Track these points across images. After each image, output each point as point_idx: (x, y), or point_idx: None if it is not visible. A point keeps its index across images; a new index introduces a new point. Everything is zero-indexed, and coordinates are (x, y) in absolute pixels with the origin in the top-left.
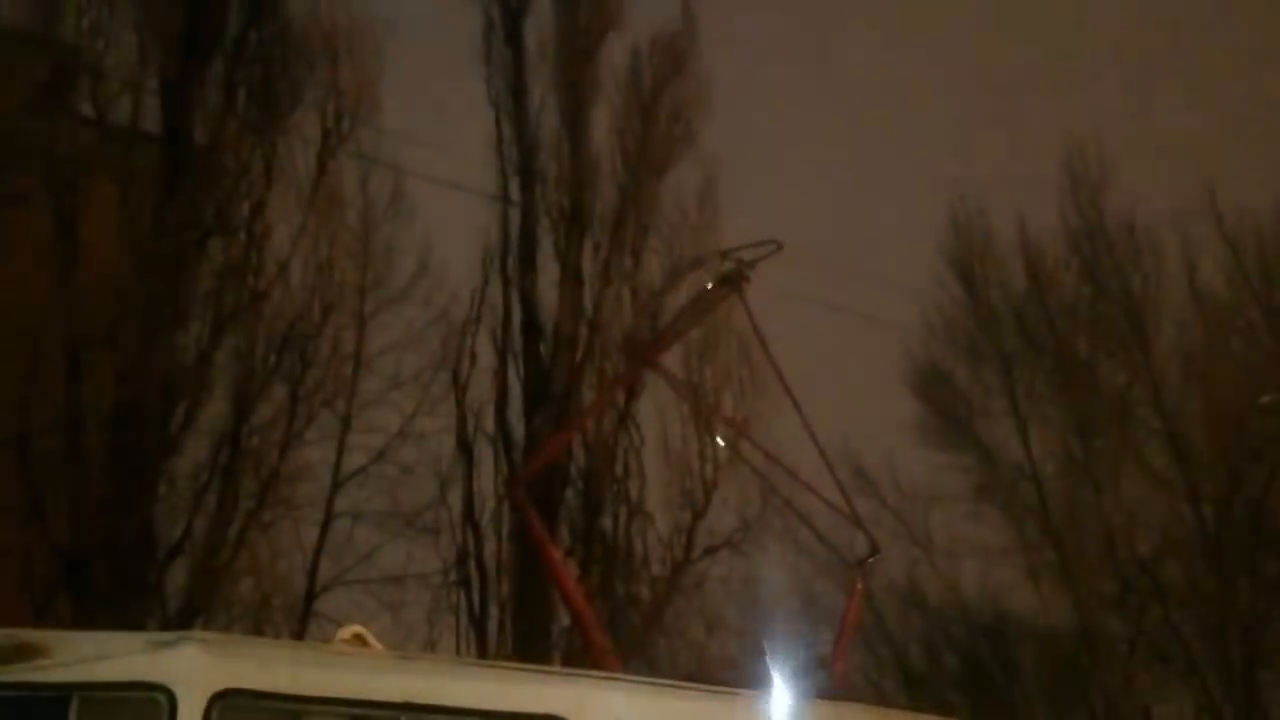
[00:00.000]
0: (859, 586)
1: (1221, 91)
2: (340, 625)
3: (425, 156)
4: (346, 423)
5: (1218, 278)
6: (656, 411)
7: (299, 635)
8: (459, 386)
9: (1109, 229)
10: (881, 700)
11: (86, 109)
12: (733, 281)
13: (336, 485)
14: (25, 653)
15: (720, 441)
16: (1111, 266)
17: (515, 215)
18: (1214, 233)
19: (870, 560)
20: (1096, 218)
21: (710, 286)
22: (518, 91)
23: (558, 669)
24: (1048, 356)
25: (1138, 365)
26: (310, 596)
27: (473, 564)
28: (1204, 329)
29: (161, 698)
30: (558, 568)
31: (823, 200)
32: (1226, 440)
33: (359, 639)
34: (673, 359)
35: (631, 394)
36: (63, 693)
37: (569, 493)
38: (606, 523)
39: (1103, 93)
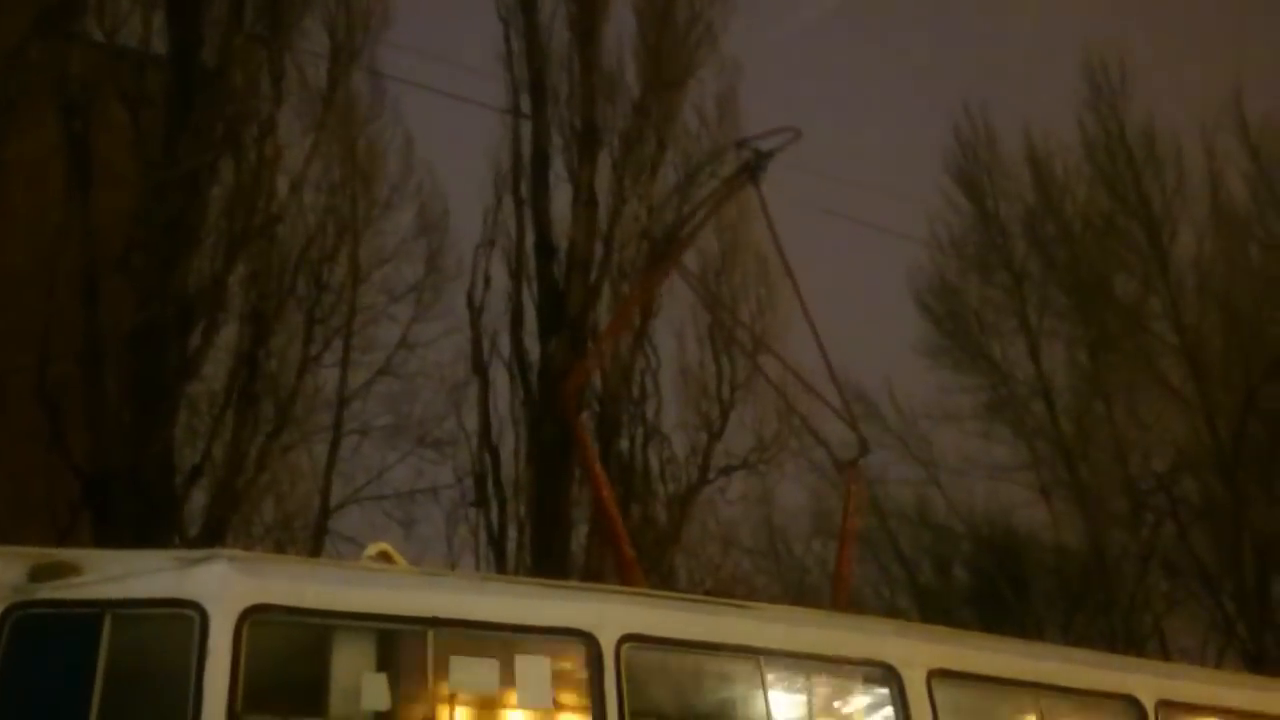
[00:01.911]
0: (851, 488)
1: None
2: (355, 543)
3: (435, 72)
4: (348, 339)
5: (1240, 188)
6: (672, 333)
7: (315, 554)
8: (474, 308)
9: (1128, 139)
10: (893, 615)
11: (95, 31)
12: (750, 170)
13: (343, 402)
14: (58, 571)
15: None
16: (1130, 177)
17: (527, 133)
18: (1238, 141)
19: (859, 459)
20: (1117, 127)
21: (728, 176)
22: (527, 3)
23: (580, 584)
24: (1060, 270)
25: (1154, 278)
26: (324, 515)
27: (490, 484)
28: (1223, 241)
29: (193, 614)
30: (598, 478)
31: (830, 107)
32: (1243, 354)
33: (385, 555)
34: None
35: (648, 314)
36: (95, 609)
37: (585, 414)
38: (623, 444)
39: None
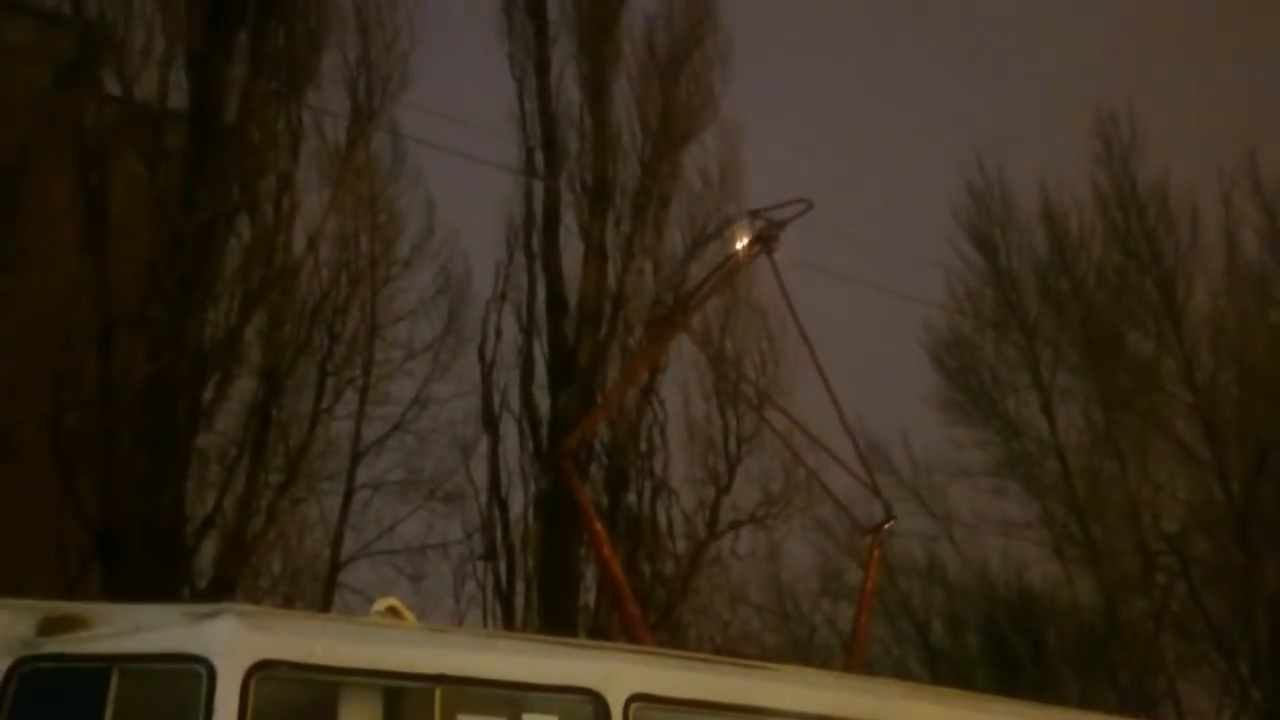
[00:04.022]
0: (875, 554)
1: (1262, 56)
2: (364, 597)
3: (449, 130)
4: (364, 393)
5: (1254, 247)
6: (679, 387)
7: (325, 607)
8: (484, 363)
9: (1141, 195)
10: (904, 676)
11: (113, 86)
12: (763, 241)
13: (357, 456)
14: (66, 625)
15: (751, 397)
16: (1143, 234)
17: (539, 189)
18: (1252, 200)
19: (886, 526)
20: (1129, 183)
21: (740, 246)
22: (540, 65)
23: (589, 642)
24: (1073, 327)
25: (1167, 337)
26: (335, 568)
27: (499, 539)
28: (1238, 300)
29: (201, 669)
30: (598, 536)
31: (841, 167)
32: (1257, 415)
33: (393, 611)
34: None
35: (655, 369)
36: (103, 664)
37: (593, 468)
38: (631, 498)
39: (1136, 55)
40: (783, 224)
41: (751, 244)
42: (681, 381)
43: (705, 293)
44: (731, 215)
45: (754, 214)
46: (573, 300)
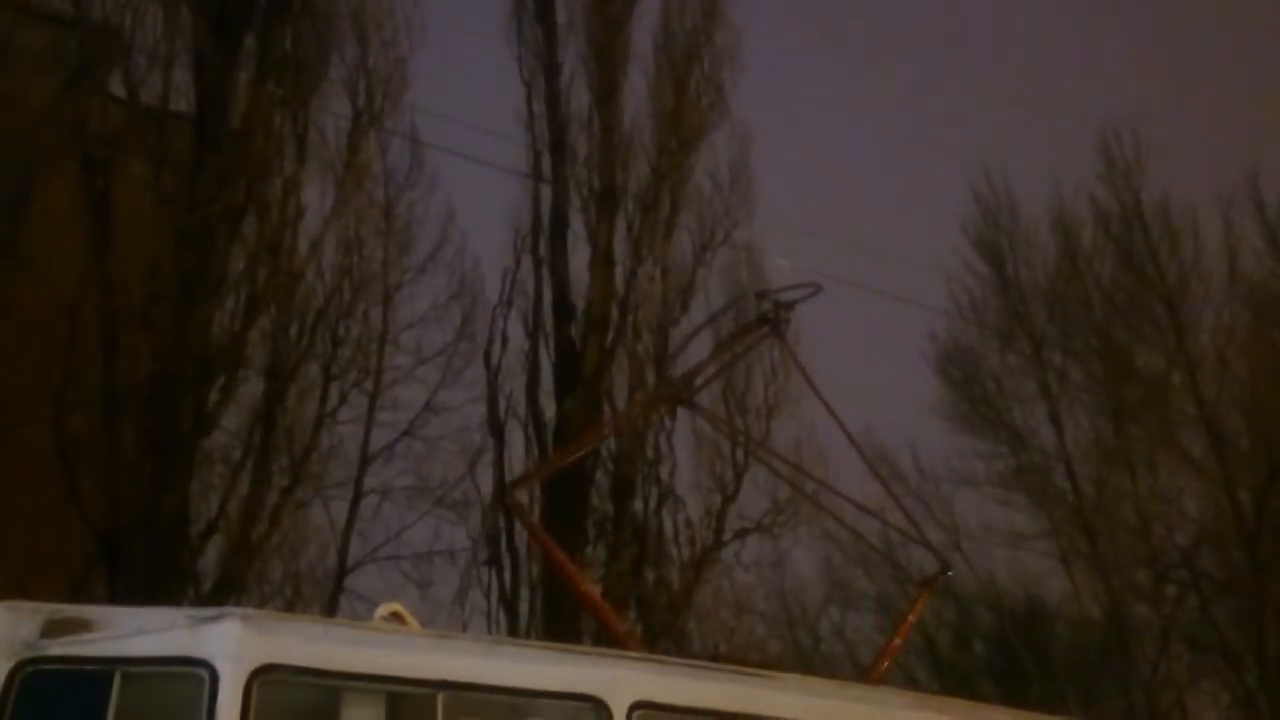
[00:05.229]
0: (922, 602)
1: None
2: (370, 602)
3: (456, 134)
4: (373, 399)
5: (1257, 265)
6: None
7: (330, 612)
8: (491, 368)
9: (1145, 213)
10: (910, 687)
11: (118, 88)
12: (771, 322)
13: (365, 462)
14: (69, 627)
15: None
16: (1146, 250)
17: (547, 193)
18: (1254, 219)
19: (941, 578)
20: (1132, 201)
21: (748, 326)
22: (549, 68)
23: (592, 649)
24: (1080, 340)
25: (1173, 351)
26: (341, 573)
27: (504, 545)
28: (1243, 315)
29: (203, 672)
30: (563, 565)
31: (849, 175)
32: (1265, 428)
33: (397, 617)
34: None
35: (662, 374)
36: (106, 667)
37: (599, 474)
38: (637, 505)
39: (1139, 74)
40: (791, 304)
41: (759, 323)
42: None
43: (710, 375)
44: (740, 296)
45: (761, 294)
46: (580, 305)
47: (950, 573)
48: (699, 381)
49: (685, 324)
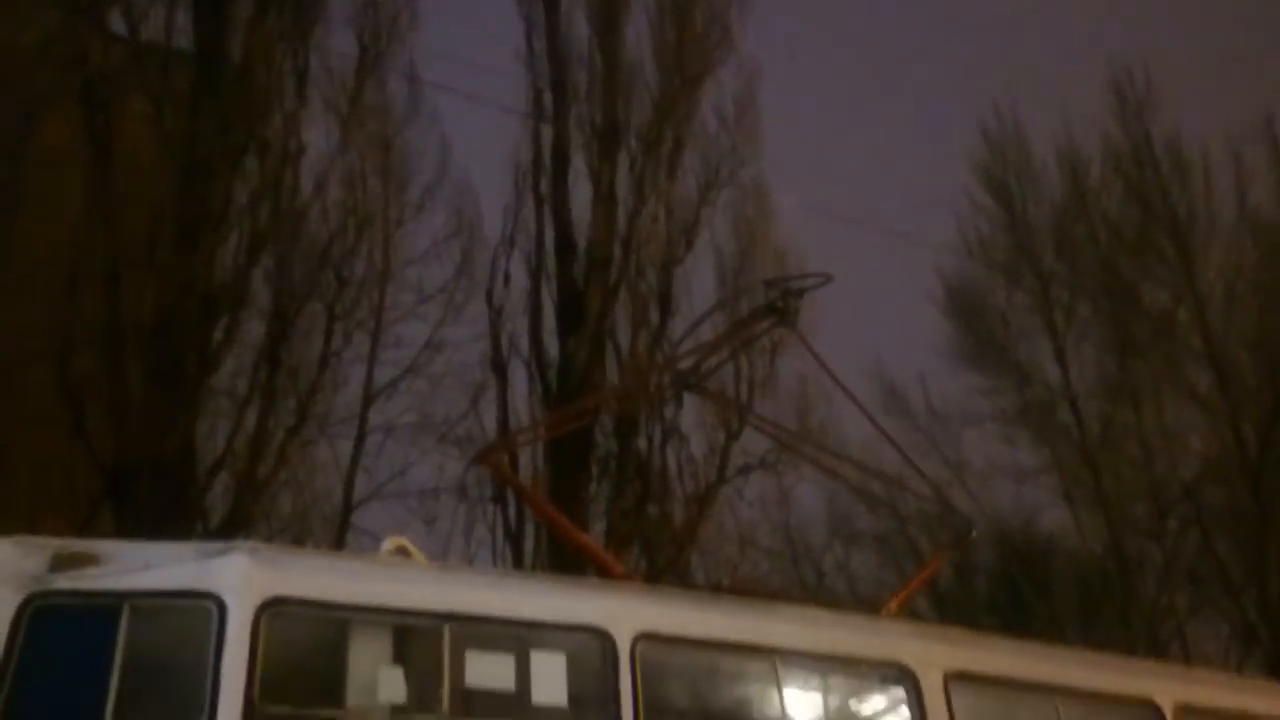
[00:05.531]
0: (941, 560)
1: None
2: (376, 538)
3: (455, 71)
4: (376, 336)
5: (1267, 203)
6: (692, 332)
7: (337, 548)
8: (493, 307)
9: (1155, 149)
10: (913, 619)
11: (118, 25)
12: (780, 312)
13: (369, 399)
14: (77, 561)
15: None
16: (1156, 186)
17: (547, 132)
18: (1266, 158)
19: (966, 540)
20: (1143, 137)
21: (755, 314)
22: (549, 4)
23: (596, 581)
24: (1087, 275)
25: (1181, 287)
26: (347, 510)
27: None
28: (1251, 251)
29: (211, 605)
30: (554, 518)
31: (857, 111)
32: (1271, 363)
33: (403, 551)
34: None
35: (666, 313)
36: (114, 601)
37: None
38: (641, 443)
39: (1152, 11)
40: (800, 293)
41: (766, 313)
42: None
43: (716, 364)
44: (747, 283)
45: (769, 283)
46: (582, 244)
47: (974, 534)
48: (705, 367)
49: (689, 263)
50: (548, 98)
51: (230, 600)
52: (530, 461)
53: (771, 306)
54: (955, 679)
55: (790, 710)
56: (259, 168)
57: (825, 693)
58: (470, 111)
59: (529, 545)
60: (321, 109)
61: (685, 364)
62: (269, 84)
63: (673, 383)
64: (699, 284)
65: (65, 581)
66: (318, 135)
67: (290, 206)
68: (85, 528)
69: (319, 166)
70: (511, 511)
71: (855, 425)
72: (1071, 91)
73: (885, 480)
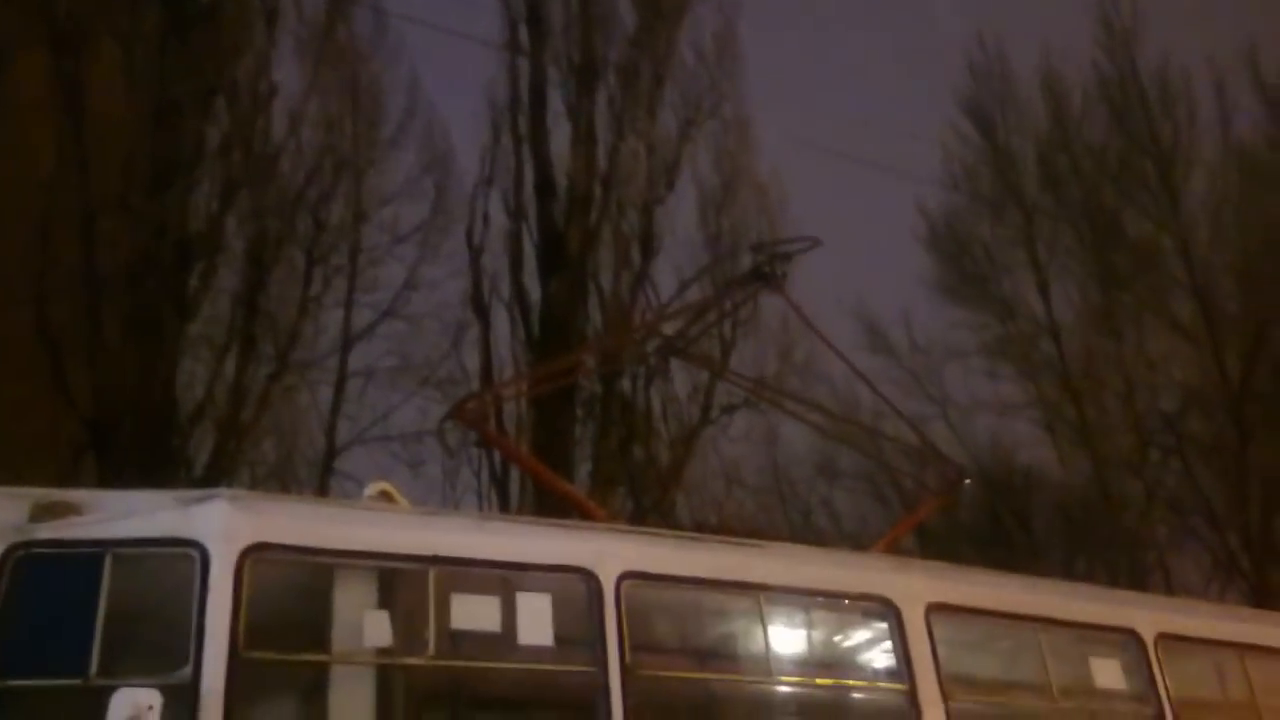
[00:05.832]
0: (937, 503)
1: None
2: (360, 483)
3: (428, 5)
4: (352, 279)
5: (1252, 130)
6: (674, 270)
7: (321, 494)
8: (473, 248)
9: (1141, 78)
10: (896, 553)
11: None
12: (767, 277)
13: (348, 343)
14: (58, 510)
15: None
16: (1142, 115)
17: (525, 72)
18: (1250, 90)
19: (959, 486)
20: (1128, 65)
21: (742, 279)
22: None
23: (581, 523)
24: (1071, 206)
25: (1165, 216)
26: (330, 455)
27: (492, 425)
28: (1235, 180)
29: (194, 552)
30: (534, 468)
31: (839, 43)
32: (1254, 293)
33: (385, 495)
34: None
35: (649, 254)
36: (97, 549)
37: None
38: (625, 384)
39: None
40: (787, 257)
41: (753, 277)
42: (676, 265)
43: (702, 328)
44: (735, 244)
45: (757, 247)
46: (562, 184)
47: (968, 481)
48: (691, 333)
49: (671, 203)
50: (523, 32)
51: (213, 547)
52: (515, 405)
53: (758, 272)
54: (937, 611)
55: (775, 645)
56: (230, 111)
57: (809, 628)
58: (439, 45)
59: (514, 489)
60: (293, 47)
61: (670, 329)
62: (238, 23)
63: (658, 350)
64: (681, 224)
65: (46, 531)
66: (288, 76)
67: (263, 149)
68: (68, 479)
69: (291, 107)
70: (496, 456)
71: (839, 362)
72: (1057, 24)
73: (870, 431)
